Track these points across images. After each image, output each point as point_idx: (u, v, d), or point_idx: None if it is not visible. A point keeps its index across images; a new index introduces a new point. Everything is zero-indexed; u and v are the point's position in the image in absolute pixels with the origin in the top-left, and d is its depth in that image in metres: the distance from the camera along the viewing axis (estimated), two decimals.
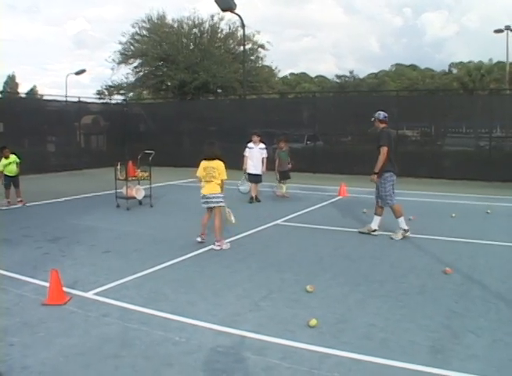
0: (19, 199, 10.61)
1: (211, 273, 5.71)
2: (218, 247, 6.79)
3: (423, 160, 15.85)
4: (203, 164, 6.90)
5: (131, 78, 26.14)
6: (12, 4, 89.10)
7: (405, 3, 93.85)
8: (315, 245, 7.10)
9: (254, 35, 25.17)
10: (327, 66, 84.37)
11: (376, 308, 4.60)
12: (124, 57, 25.34)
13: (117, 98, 26.66)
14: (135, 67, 25.81)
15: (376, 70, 55.65)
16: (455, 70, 46.42)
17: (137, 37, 25.18)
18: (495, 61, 39.92)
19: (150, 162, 10.30)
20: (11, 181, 10.51)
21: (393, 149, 7.46)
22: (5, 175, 10.45)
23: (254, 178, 11.06)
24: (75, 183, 14.94)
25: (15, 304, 4.72)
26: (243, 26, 20.19)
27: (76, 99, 20.15)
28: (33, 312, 4.50)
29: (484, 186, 13.62)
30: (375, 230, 7.66)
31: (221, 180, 6.89)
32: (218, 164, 6.86)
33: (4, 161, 10.41)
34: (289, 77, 56.48)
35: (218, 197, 6.90)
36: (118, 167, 10.16)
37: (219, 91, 26.03)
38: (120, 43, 25.21)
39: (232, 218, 7.30)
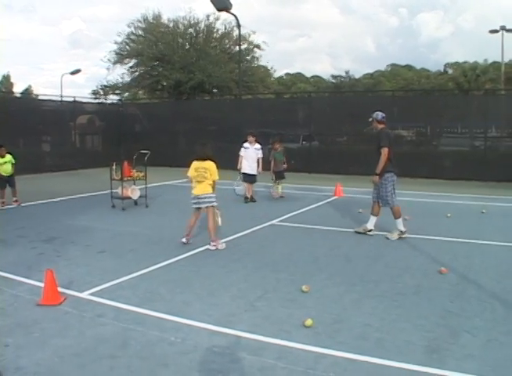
0: (14, 199, 10.53)
1: (207, 273, 5.70)
2: (214, 247, 6.78)
3: (418, 161, 15.83)
4: (195, 164, 6.87)
5: (127, 78, 26.12)
6: (9, 3, 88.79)
7: (401, 3, 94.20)
8: (310, 245, 7.10)
9: (249, 35, 25.25)
10: (323, 66, 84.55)
11: (371, 308, 4.61)
12: (120, 57, 25.30)
13: (113, 98, 26.63)
14: (131, 67, 25.78)
15: (371, 71, 55.97)
16: (450, 71, 46.63)
17: (132, 37, 25.13)
18: (490, 61, 40.22)
19: (146, 162, 10.27)
20: (6, 181, 10.43)
21: (393, 149, 7.47)
22: (0, 175, 10.37)
23: (249, 179, 11.07)
24: (70, 183, 14.87)
25: (9, 304, 4.69)
26: (238, 26, 20.19)
27: (71, 99, 20.12)
28: (27, 312, 4.48)
29: (479, 186, 13.67)
30: (371, 230, 7.68)
31: (213, 181, 6.86)
32: (210, 165, 6.82)
33: None
34: (284, 77, 56.52)
35: (211, 197, 6.87)
36: (113, 167, 10.15)
37: (215, 91, 26.02)
38: (116, 43, 25.23)
39: (219, 219, 7.20)
